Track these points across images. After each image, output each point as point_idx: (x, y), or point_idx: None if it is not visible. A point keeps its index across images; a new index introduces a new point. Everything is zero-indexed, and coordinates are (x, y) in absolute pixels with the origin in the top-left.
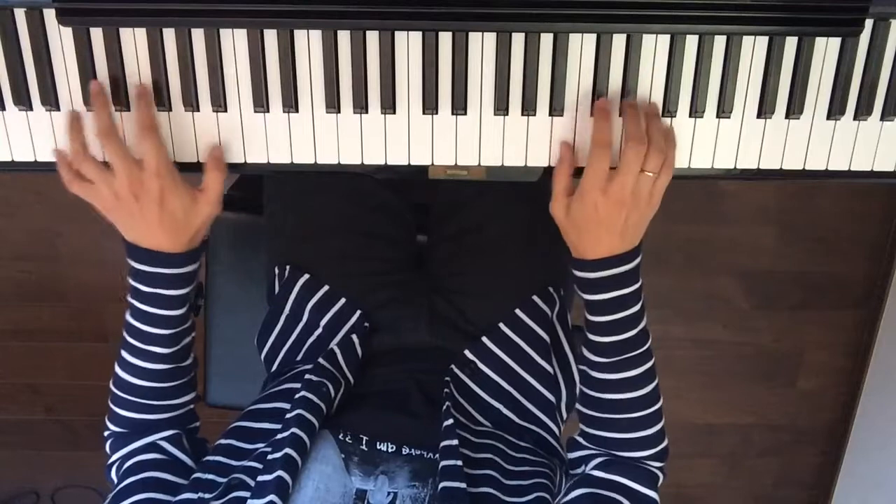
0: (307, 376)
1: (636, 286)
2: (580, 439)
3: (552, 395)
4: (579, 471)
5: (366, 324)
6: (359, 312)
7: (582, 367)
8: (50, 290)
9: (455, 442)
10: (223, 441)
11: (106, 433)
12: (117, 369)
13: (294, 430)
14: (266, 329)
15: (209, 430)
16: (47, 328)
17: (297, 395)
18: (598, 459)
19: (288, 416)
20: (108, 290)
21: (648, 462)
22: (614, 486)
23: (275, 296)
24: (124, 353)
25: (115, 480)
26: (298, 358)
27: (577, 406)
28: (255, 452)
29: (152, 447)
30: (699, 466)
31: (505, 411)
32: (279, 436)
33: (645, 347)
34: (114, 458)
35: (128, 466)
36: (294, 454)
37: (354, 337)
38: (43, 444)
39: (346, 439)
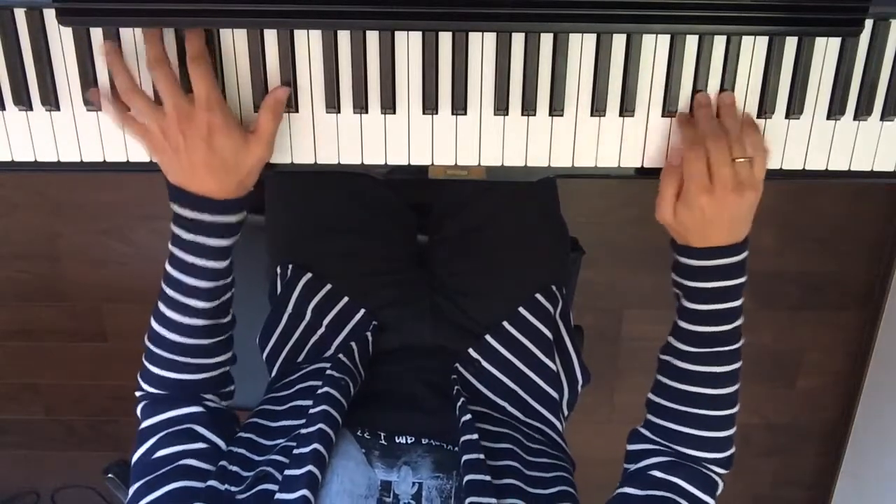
0: (328, 372)
1: (740, 280)
2: (645, 431)
3: (555, 392)
4: (636, 466)
5: (374, 322)
6: (362, 311)
7: (665, 356)
8: (50, 290)
9: (475, 436)
10: (244, 434)
11: (138, 394)
12: (153, 323)
13: (321, 425)
14: (268, 329)
15: None
16: (47, 328)
17: (319, 391)
18: (660, 459)
19: (312, 411)
20: (108, 290)
21: (712, 466)
22: (672, 488)
23: (277, 295)
24: (161, 306)
25: (144, 451)
26: (301, 357)
27: (650, 396)
28: (278, 447)
29: (185, 432)
30: None
31: (510, 409)
32: (304, 430)
33: (735, 346)
34: (145, 424)
35: (159, 439)
36: (322, 449)
37: (368, 334)
38: (43, 444)
39: (365, 435)
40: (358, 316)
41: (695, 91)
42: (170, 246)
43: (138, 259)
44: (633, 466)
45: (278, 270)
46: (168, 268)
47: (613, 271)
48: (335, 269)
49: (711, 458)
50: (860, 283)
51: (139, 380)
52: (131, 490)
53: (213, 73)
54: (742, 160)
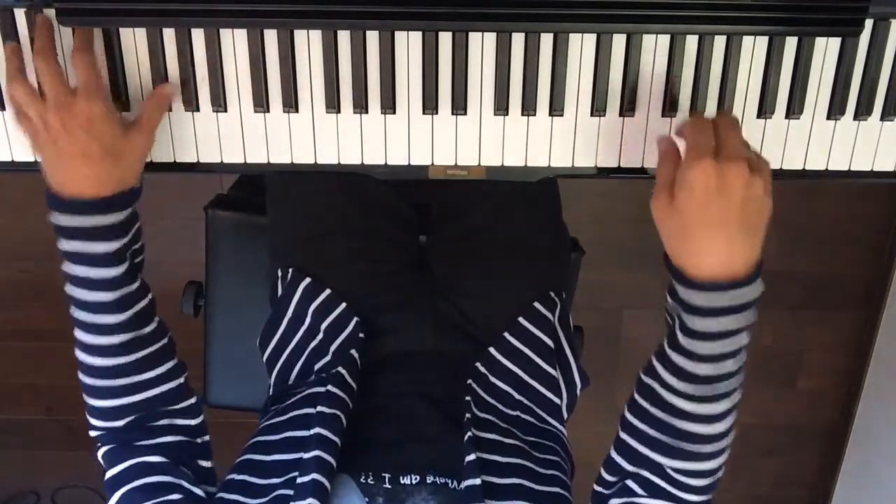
0: (319, 409)
1: (750, 312)
2: (619, 460)
3: (557, 399)
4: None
5: (361, 334)
6: (355, 320)
7: (649, 380)
8: (50, 290)
9: (478, 481)
10: (236, 477)
11: (93, 434)
12: (77, 353)
13: (314, 475)
14: (268, 331)
15: (210, 430)
16: (47, 328)
17: (311, 432)
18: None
19: (306, 456)
20: None
21: (687, 497)
22: None
23: (277, 298)
24: (77, 332)
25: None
26: (300, 362)
27: (627, 415)
28: (273, 493)
29: (152, 486)
30: None
31: (523, 416)
32: (300, 479)
33: (738, 383)
34: (110, 474)
35: (124, 494)
36: (317, 503)
37: (354, 352)
38: (43, 444)
39: (369, 481)
40: (351, 325)
41: (695, 91)
42: (62, 266)
43: None
44: (606, 494)
45: (279, 273)
46: (67, 288)
47: (613, 271)
48: (335, 273)
49: (690, 485)
50: (860, 284)
51: (88, 418)
52: None
53: (96, 63)
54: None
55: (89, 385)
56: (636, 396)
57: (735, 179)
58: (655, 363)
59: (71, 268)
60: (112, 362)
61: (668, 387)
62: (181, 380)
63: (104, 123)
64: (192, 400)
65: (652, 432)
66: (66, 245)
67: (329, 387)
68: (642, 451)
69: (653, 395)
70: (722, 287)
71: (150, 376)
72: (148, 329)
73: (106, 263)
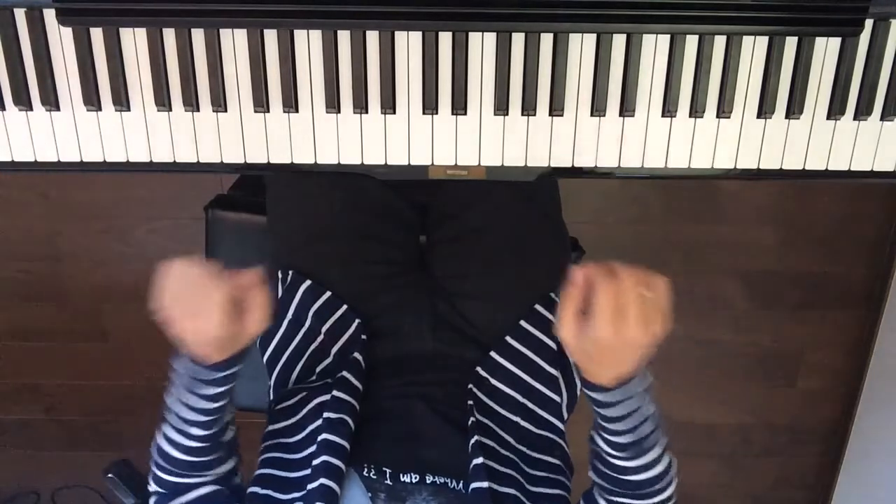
0: (326, 414)
1: (648, 387)
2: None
3: (558, 397)
4: None
5: (363, 336)
6: (357, 322)
7: (597, 448)
8: (50, 290)
9: (485, 485)
10: (260, 491)
11: (150, 488)
12: (159, 439)
13: (322, 480)
14: (269, 333)
15: None
16: (47, 328)
17: (319, 438)
18: None
19: (315, 462)
20: (107, 290)
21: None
22: None
23: (278, 299)
24: (165, 427)
25: None
26: (301, 363)
27: (593, 476)
28: None
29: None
30: (699, 466)
31: (523, 423)
32: (309, 486)
33: (661, 434)
34: None
35: None
36: None
37: (357, 355)
38: (43, 444)
39: (371, 475)
40: (353, 326)
41: (695, 91)
42: (170, 385)
43: (138, 259)
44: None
45: (279, 275)
46: (168, 399)
47: None
48: (335, 275)
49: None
50: (860, 283)
51: (150, 480)
52: None
53: (223, 308)
54: (649, 295)
55: (162, 465)
56: (591, 467)
57: (637, 343)
58: (594, 434)
59: (178, 394)
60: (189, 458)
61: (608, 454)
62: (234, 465)
63: (223, 343)
64: (238, 479)
65: (614, 489)
66: (179, 385)
67: (334, 392)
68: (608, 487)
69: (601, 462)
70: (621, 385)
71: (216, 470)
72: (226, 437)
73: (211, 401)
